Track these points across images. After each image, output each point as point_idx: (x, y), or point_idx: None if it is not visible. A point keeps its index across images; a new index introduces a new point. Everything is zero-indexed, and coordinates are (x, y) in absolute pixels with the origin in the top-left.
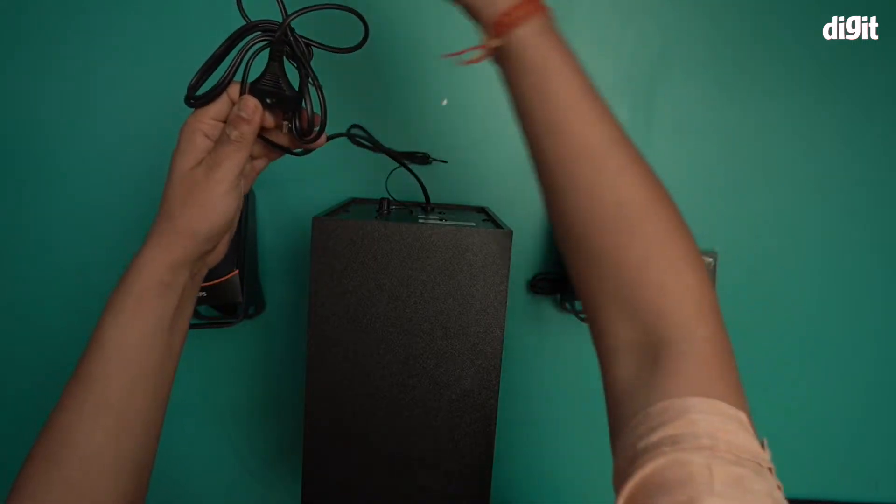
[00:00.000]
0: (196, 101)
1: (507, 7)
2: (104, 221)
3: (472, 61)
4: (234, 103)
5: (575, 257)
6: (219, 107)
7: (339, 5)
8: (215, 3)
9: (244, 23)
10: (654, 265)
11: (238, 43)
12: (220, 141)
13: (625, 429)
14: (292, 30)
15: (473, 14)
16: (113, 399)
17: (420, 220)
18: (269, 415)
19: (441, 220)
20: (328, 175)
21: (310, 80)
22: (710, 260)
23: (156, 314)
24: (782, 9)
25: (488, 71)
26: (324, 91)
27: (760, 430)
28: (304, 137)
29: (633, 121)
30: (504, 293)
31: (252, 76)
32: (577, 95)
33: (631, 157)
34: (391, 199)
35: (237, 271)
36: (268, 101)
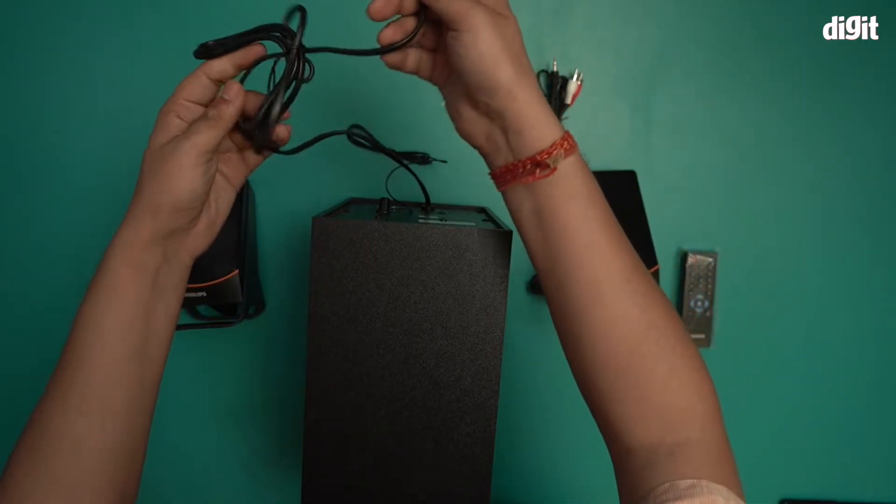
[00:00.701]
0: (202, 54)
1: (562, 135)
2: (104, 221)
3: (550, 174)
4: (214, 83)
5: (597, 377)
6: (192, 88)
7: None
8: (216, 2)
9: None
10: (679, 375)
11: (259, 36)
12: (197, 118)
13: (650, 493)
14: (303, 48)
15: (525, 134)
16: (95, 386)
17: (420, 220)
18: (269, 415)
19: (441, 220)
20: (328, 175)
21: (283, 94)
22: (710, 260)
23: (130, 297)
24: (782, 9)
25: None
26: (288, 109)
27: (760, 429)
28: (257, 140)
29: (633, 121)
30: (504, 293)
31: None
32: (612, 222)
33: (651, 281)
34: (391, 199)
35: (237, 271)
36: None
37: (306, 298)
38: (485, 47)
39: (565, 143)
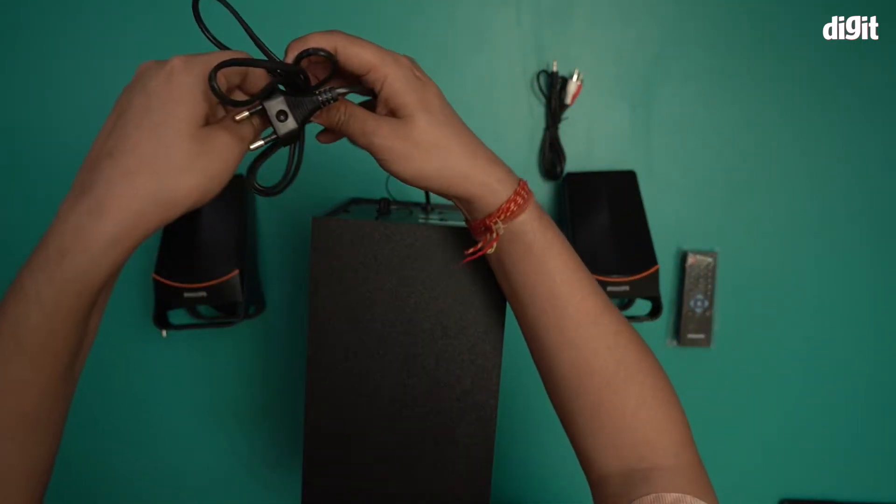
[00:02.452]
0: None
1: (508, 196)
2: None
3: (484, 251)
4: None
5: (571, 410)
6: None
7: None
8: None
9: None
10: (649, 407)
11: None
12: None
13: (633, 502)
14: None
15: (474, 204)
16: (28, 407)
17: (420, 220)
18: (270, 415)
19: (441, 220)
20: (328, 175)
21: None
22: (710, 260)
23: (93, 307)
24: (782, 9)
25: (487, 72)
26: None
27: (761, 429)
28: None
29: (633, 121)
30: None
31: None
32: (573, 269)
33: (620, 319)
34: (391, 199)
35: (237, 271)
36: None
37: (306, 298)
38: (410, 175)
39: (511, 204)
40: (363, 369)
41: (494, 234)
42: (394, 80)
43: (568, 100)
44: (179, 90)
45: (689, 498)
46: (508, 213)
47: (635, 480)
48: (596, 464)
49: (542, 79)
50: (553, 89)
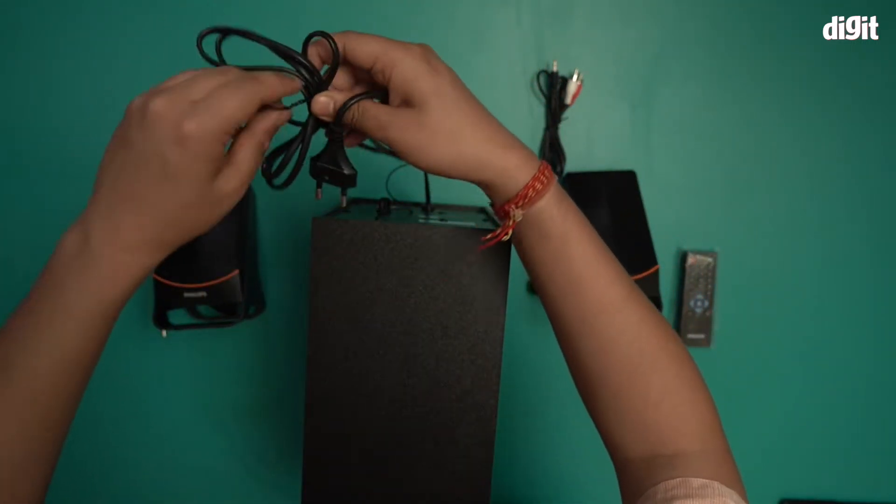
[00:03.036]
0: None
1: (526, 182)
2: None
3: (499, 238)
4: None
5: (594, 395)
6: (247, 112)
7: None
8: (223, 3)
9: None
10: (673, 395)
11: (291, 60)
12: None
13: (659, 486)
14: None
15: (494, 190)
16: (38, 392)
17: (420, 220)
18: (270, 415)
19: (441, 220)
20: None
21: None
22: (710, 260)
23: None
24: (782, 9)
25: (487, 72)
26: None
27: (761, 429)
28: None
29: (633, 121)
30: (504, 293)
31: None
32: (594, 256)
33: (644, 306)
34: (391, 199)
35: (237, 271)
36: (326, 178)
37: (306, 298)
38: (428, 165)
39: (529, 190)
40: (363, 369)
41: (511, 221)
42: (402, 68)
43: (568, 100)
44: (195, 148)
45: (716, 484)
46: (526, 200)
47: (661, 464)
48: (620, 447)
49: (542, 79)
50: (553, 89)
